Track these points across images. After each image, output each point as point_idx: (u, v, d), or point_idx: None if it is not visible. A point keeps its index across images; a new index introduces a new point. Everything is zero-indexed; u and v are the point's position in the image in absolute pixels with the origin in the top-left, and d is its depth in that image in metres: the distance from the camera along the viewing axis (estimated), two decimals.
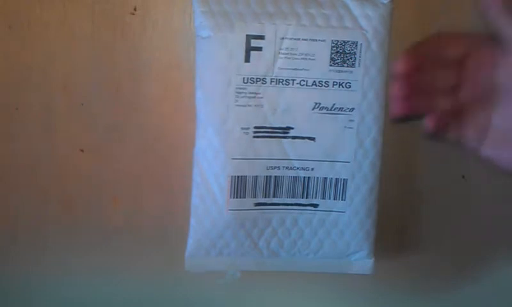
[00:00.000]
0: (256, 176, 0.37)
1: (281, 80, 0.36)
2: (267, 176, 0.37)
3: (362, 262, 0.39)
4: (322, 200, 0.38)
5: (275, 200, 0.38)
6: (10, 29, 0.41)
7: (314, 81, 0.36)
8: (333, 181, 0.38)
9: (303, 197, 0.38)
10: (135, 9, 0.41)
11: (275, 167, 0.37)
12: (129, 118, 0.43)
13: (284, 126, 0.37)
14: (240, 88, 0.36)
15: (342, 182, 0.38)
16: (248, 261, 0.39)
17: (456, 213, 0.46)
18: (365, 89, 0.36)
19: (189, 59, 0.41)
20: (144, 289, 0.47)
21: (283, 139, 0.37)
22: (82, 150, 0.43)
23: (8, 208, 0.44)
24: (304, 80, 0.36)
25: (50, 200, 0.44)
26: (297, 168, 0.37)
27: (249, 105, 0.36)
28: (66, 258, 0.45)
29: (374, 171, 0.38)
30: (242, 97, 0.36)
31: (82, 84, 0.42)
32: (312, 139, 0.37)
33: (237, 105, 0.36)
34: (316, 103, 0.36)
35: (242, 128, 0.36)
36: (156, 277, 0.47)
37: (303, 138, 0.37)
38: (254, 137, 0.37)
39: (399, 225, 0.46)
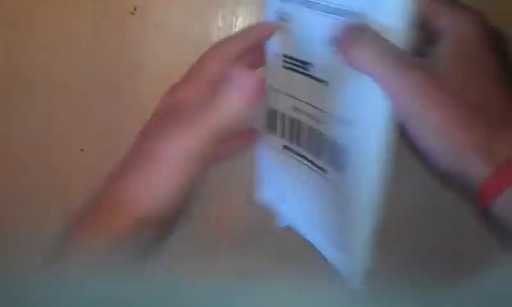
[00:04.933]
0: (284, 114, 0.35)
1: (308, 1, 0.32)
2: (292, 119, 0.35)
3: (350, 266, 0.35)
4: (329, 167, 0.34)
5: (299, 149, 0.35)
6: (10, 29, 0.41)
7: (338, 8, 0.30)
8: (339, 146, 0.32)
9: (316, 156, 0.34)
10: (135, 9, 0.41)
11: (298, 110, 0.34)
12: (129, 118, 0.43)
13: (304, 60, 0.33)
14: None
15: (344, 148, 0.32)
16: None
17: (456, 213, 0.46)
18: None
19: (189, 59, 0.41)
20: (143, 288, 0.47)
21: (305, 76, 0.33)
22: (82, 150, 0.43)
23: (8, 208, 0.44)
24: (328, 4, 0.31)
25: (50, 200, 0.44)
26: (314, 118, 0.33)
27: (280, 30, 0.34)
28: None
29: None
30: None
31: (82, 84, 0.42)
32: (325, 82, 0.32)
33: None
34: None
35: (276, 54, 0.34)
36: (156, 276, 0.46)
37: (318, 80, 0.32)
38: (284, 67, 0.34)
39: (398, 225, 0.46)
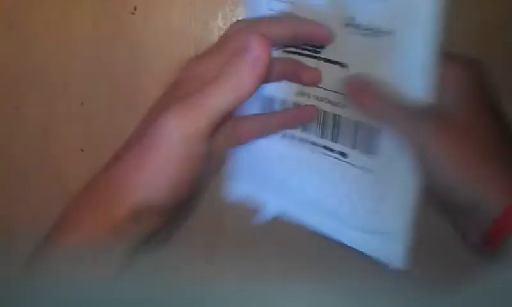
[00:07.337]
0: (285, 100, 0.34)
1: None
2: (295, 104, 0.33)
3: (390, 247, 0.33)
4: (351, 150, 0.33)
5: (304, 135, 0.34)
6: (10, 29, 0.41)
7: None
8: (366, 127, 0.32)
9: (332, 140, 0.33)
10: (135, 9, 0.41)
11: (305, 94, 0.33)
12: (129, 117, 0.43)
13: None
14: None
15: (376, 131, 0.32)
16: None
17: None
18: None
19: None
20: (144, 288, 0.47)
21: (313, 59, 0.32)
22: (82, 150, 0.43)
23: (8, 208, 0.44)
24: None
25: (50, 200, 0.44)
26: (328, 101, 0.33)
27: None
28: None
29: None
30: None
31: (82, 84, 0.42)
32: (344, 65, 0.32)
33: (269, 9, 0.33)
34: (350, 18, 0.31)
35: None
36: (157, 276, 0.46)
37: (334, 63, 0.32)
38: (284, 51, 0.33)
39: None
